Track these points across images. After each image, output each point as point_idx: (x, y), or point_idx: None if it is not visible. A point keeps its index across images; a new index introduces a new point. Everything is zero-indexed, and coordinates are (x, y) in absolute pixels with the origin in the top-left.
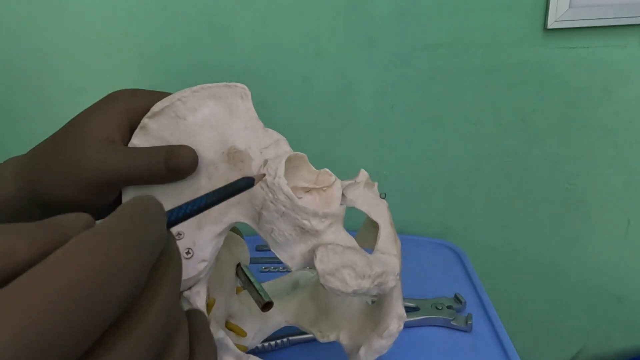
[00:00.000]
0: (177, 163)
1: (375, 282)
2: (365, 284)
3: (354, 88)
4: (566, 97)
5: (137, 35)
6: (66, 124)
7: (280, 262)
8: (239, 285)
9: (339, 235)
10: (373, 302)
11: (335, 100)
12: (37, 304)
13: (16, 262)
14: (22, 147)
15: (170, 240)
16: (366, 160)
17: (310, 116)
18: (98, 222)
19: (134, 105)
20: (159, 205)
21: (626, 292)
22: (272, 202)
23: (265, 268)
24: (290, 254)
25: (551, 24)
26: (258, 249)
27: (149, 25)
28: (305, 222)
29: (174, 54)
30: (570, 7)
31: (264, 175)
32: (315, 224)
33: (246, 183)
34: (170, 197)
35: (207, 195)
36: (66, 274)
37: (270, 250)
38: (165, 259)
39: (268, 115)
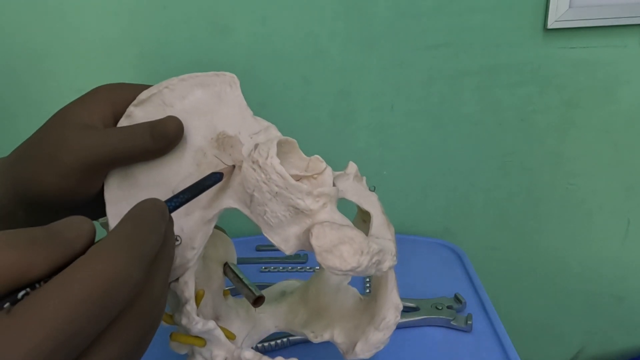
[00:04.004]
0: (162, 130)
1: (374, 260)
2: (364, 260)
3: (354, 88)
4: (566, 97)
5: (136, 35)
6: (48, 119)
7: (280, 262)
8: (226, 288)
9: (333, 215)
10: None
11: (335, 100)
12: (65, 308)
13: (32, 277)
14: None
15: (168, 227)
16: (366, 160)
17: (310, 116)
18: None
19: (118, 97)
20: (160, 207)
21: (626, 292)
22: (264, 182)
23: (265, 268)
24: (284, 236)
25: (551, 24)
26: (258, 249)
27: (149, 24)
28: (300, 201)
29: (174, 54)
30: (570, 7)
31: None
32: (310, 203)
33: (215, 178)
34: (156, 185)
35: (177, 195)
36: (87, 281)
37: (270, 250)
38: (160, 251)
39: (268, 116)
